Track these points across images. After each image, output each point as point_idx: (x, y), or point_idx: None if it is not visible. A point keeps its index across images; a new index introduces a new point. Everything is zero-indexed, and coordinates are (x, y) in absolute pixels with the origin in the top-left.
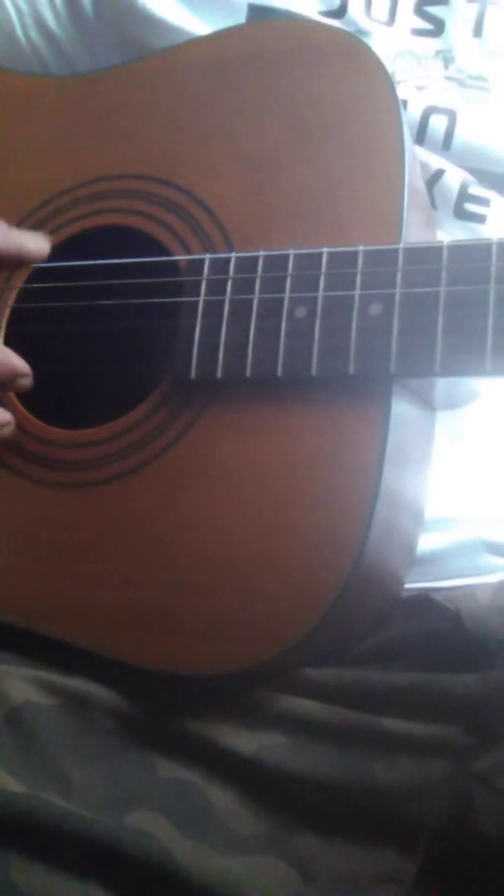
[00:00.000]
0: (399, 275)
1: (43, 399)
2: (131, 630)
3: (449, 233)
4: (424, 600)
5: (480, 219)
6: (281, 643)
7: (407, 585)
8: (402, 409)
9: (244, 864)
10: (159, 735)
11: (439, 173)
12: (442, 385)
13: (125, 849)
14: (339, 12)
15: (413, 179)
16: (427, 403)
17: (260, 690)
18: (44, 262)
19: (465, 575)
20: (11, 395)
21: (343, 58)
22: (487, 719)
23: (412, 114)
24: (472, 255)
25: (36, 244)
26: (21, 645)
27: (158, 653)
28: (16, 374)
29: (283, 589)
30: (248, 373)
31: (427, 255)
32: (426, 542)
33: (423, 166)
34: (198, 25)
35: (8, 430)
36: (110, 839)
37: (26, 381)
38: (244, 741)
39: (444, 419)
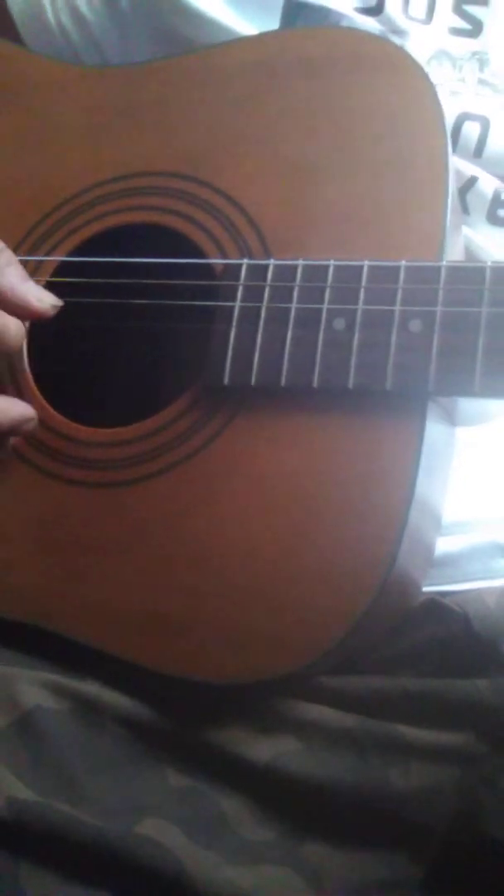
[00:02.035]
0: (441, 293)
1: (68, 396)
2: (151, 634)
3: (484, 237)
4: (432, 605)
5: None
6: (306, 656)
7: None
8: (434, 427)
9: (254, 874)
10: (170, 741)
11: (473, 180)
12: (467, 402)
13: (136, 857)
14: (377, 9)
15: (454, 194)
16: (452, 418)
17: (274, 698)
18: (74, 256)
19: (480, 578)
20: (35, 390)
21: (390, 70)
22: (500, 725)
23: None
24: None
25: (40, 304)
26: (31, 647)
27: (178, 659)
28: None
29: (310, 602)
30: (283, 382)
31: (470, 275)
32: (441, 546)
33: (458, 173)
34: (233, 18)
35: (31, 426)
36: (121, 847)
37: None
38: (258, 748)
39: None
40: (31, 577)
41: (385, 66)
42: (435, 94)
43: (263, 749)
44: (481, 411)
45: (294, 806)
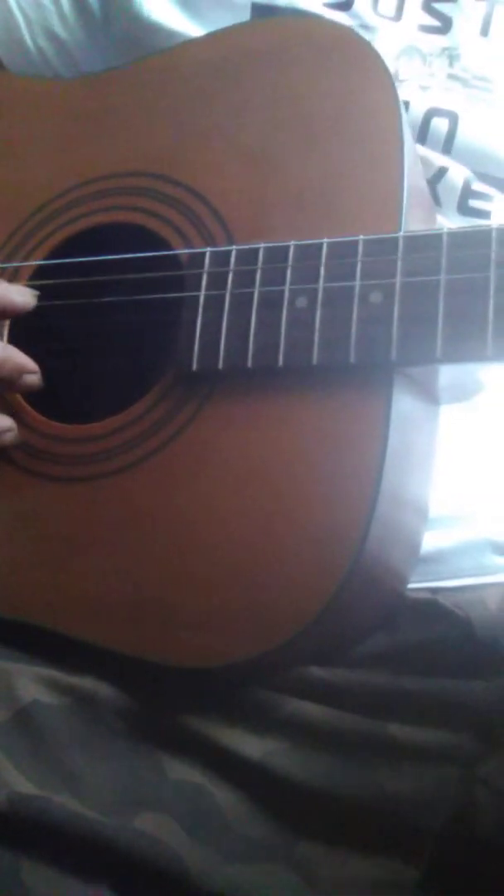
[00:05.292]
0: (399, 263)
1: (46, 395)
2: (132, 622)
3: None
4: (433, 605)
5: (485, 215)
6: (278, 637)
7: (412, 585)
8: (405, 401)
9: (252, 871)
10: (167, 736)
11: (442, 171)
12: (446, 376)
13: (136, 852)
14: (346, 5)
15: (414, 176)
16: (431, 396)
17: (266, 693)
18: (47, 259)
19: (471, 574)
20: (20, 399)
21: (343, 53)
22: (495, 726)
23: (414, 115)
24: (473, 242)
25: (22, 298)
26: (30, 643)
27: (157, 645)
28: (22, 371)
29: (282, 582)
30: (249, 363)
31: (427, 243)
32: (431, 541)
33: (427, 164)
34: (203, 31)
35: (10, 437)
36: (121, 842)
37: (34, 378)
38: (250, 745)
39: (450, 415)
40: (19, 575)
41: (334, 47)
42: (386, 70)
43: (254, 746)
44: (466, 384)
45: (286, 804)
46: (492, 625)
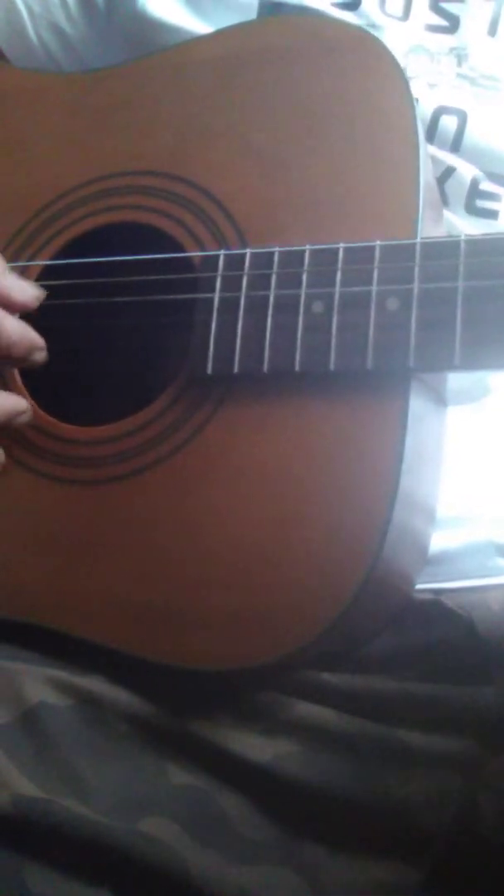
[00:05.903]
0: (416, 269)
1: (56, 396)
2: (141, 624)
3: (462, 229)
4: (437, 606)
5: (493, 214)
6: (290, 643)
7: (417, 586)
8: (417, 403)
9: (255, 874)
10: (172, 740)
11: (450, 170)
12: (454, 379)
13: (140, 855)
14: (353, 5)
15: (426, 175)
16: (440, 398)
17: (275, 695)
18: (56, 259)
19: (476, 576)
20: (23, 390)
21: (355, 53)
22: (498, 730)
23: (423, 113)
24: (490, 249)
25: (22, 296)
26: (36, 643)
27: (166, 647)
28: (34, 349)
29: (295, 588)
30: (265, 368)
31: (444, 250)
32: (436, 542)
33: (435, 162)
34: (208, 29)
35: (25, 418)
36: (125, 845)
37: (42, 356)
38: (259, 749)
39: (456, 416)
40: (26, 576)
41: (348, 47)
42: (399, 68)
43: (263, 750)
44: (475, 386)
45: (293, 808)
46: (495, 626)
